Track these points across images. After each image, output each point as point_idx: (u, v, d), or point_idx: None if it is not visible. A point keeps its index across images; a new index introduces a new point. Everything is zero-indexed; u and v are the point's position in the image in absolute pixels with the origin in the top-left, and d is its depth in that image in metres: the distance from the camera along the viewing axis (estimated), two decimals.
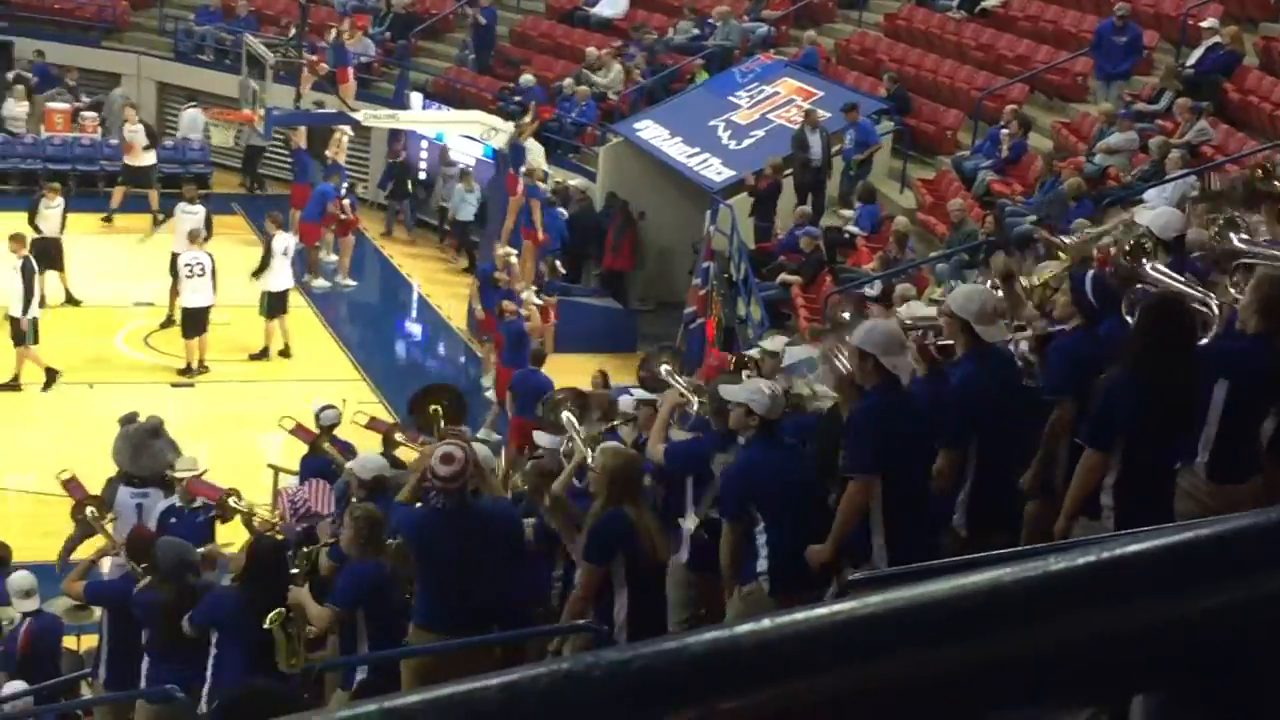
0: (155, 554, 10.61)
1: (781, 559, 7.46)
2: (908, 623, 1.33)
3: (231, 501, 12.60)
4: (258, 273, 22.09)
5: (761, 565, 7.56)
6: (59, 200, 23.86)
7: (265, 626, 9.01)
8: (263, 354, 22.36)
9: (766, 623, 1.32)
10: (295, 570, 10.23)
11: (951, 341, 7.65)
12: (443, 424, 12.56)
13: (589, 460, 8.94)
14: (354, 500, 10.10)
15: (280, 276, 22.36)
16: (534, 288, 21.33)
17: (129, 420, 15.56)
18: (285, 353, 22.53)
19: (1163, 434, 6.61)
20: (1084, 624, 1.37)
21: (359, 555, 9.04)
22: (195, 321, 21.68)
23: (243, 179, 30.52)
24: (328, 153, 26.63)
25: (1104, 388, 6.63)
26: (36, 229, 23.11)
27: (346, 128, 26.58)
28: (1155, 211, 9.00)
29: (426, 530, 8.70)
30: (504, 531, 8.94)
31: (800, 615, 1.31)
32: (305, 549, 10.65)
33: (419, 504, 9.02)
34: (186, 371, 21.70)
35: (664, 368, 10.27)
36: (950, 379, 7.61)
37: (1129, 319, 7.27)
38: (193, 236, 22.04)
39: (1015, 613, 1.37)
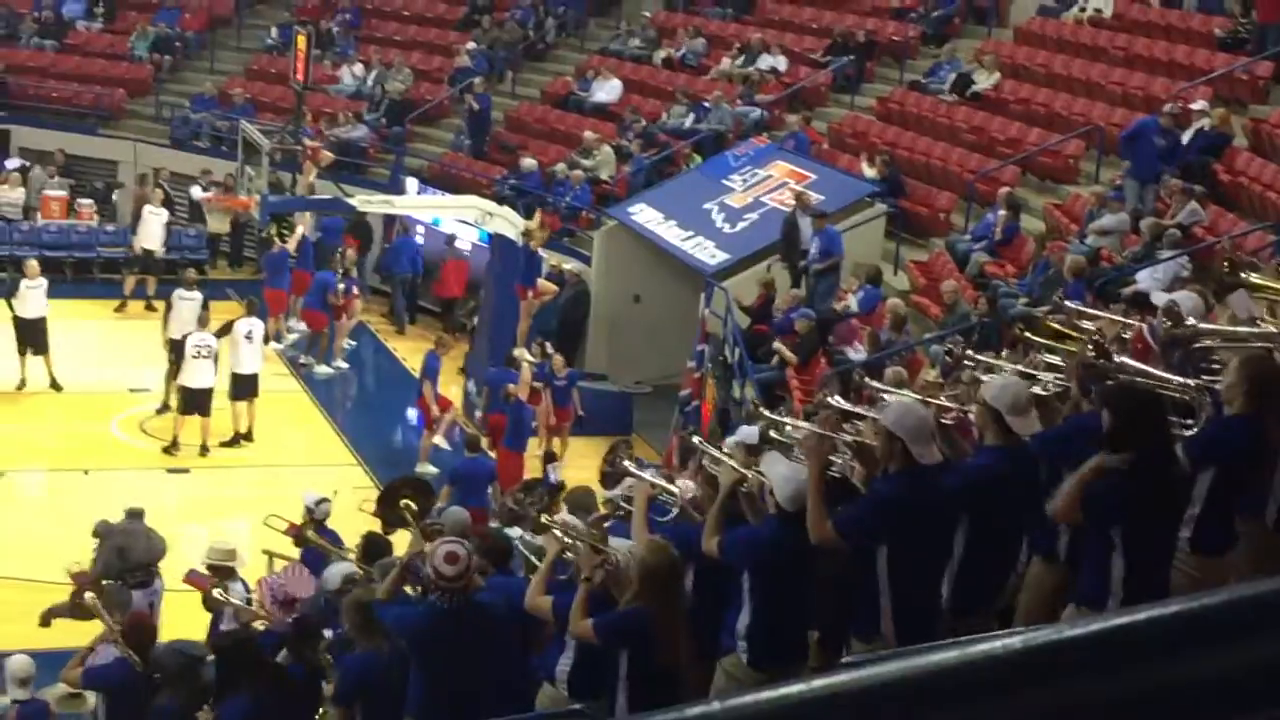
0: (161, 663, 10.57)
1: (763, 627, 7.41)
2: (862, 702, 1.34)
3: (217, 594, 12.50)
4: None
5: (741, 625, 7.51)
6: (40, 280, 23.83)
7: None
8: (234, 440, 22.24)
9: (751, 698, 1.33)
10: (312, 662, 10.14)
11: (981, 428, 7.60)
12: (416, 516, 12.44)
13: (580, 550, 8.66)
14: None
15: (247, 359, 22.36)
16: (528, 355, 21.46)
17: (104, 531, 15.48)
18: (248, 437, 22.37)
19: (1160, 522, 6.60)
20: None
21: (359, 643, 9.01)
22: (194, 401, 21.68)
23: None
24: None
25: (1099, 474, 6.61)
26: (14, 310, 23.41)
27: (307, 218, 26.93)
28: (1182, 294, 9.08)
29: (426, 631, 8.54)
30: (504, 623, 8.86)
31: (771, 693, 1.32)
32: (313, 637, 10.56)
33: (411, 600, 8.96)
34: (172, 448, 21.68)
35: (628, 462, 9.98)
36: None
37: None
38: (202, 321, 22.15)
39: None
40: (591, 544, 8.27)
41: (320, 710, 9.26)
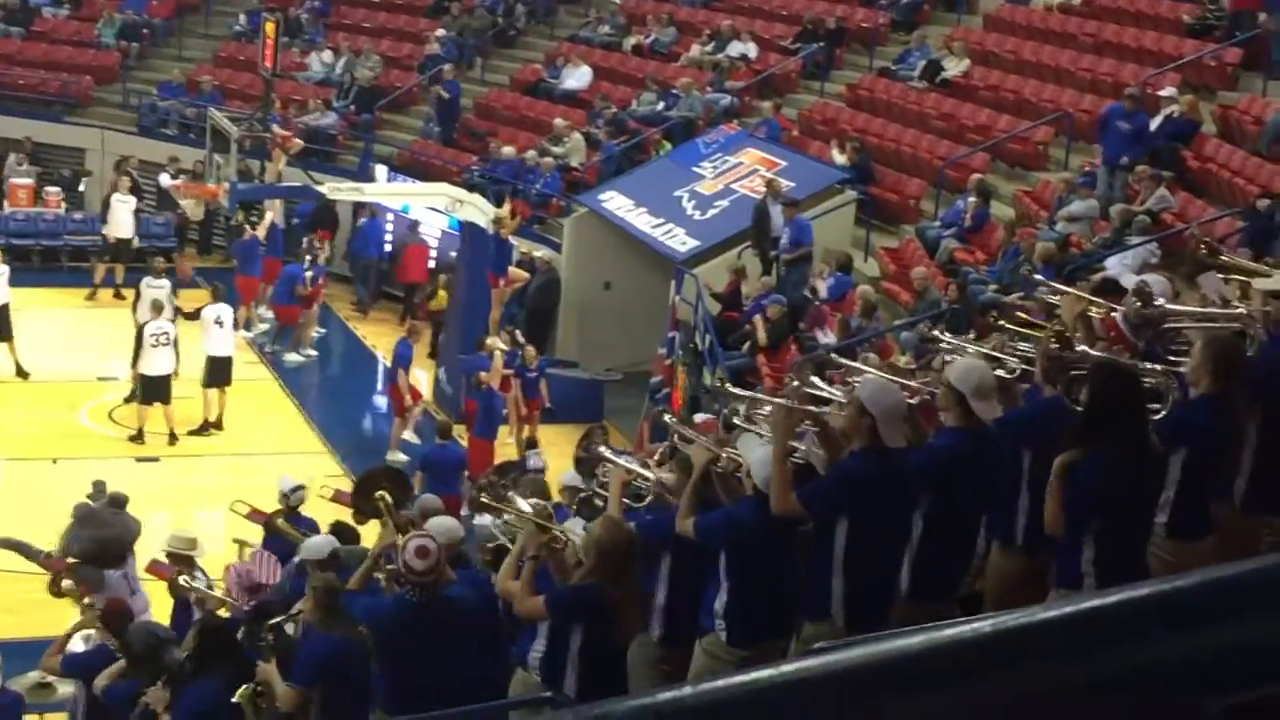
0: (128, 640, 10.53)
1: (742, 606, 7.42)
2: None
3: (182, 581, 12.46)
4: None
5: (719, 605, 7.49)
6: (2, 268, 23.76)
7: (234, 700, 8.94)
8: (203, 428, 22.22)
9: (722, 683, 1.33)
10: (262, 645, 10.13)
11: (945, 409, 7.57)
12: (390, 508, 12.40)
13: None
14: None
15: (220, 343, 22.31)
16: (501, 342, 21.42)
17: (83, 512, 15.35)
18: (217, 425, 22.33)
19: (1136, 504, 6.60)
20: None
21: (321, 627, 8.99)
22: (154, 389, 21.64)
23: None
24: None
25: (1068, 471, 6.59)
26: None
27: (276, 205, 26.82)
28: (1152, 276, 9.11)
29: (395, 624, 8.53)
30: (474, 616, 8.84)
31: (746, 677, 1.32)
32: (270, 621, 10.54)
33: (386, 593, 8.93)
34: (138, 438, 21.64)
35: (603, 448, 9.90)
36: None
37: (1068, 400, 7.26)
38: (156, 307, 22.05)
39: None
40: (536, 521, 8.27)
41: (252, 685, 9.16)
